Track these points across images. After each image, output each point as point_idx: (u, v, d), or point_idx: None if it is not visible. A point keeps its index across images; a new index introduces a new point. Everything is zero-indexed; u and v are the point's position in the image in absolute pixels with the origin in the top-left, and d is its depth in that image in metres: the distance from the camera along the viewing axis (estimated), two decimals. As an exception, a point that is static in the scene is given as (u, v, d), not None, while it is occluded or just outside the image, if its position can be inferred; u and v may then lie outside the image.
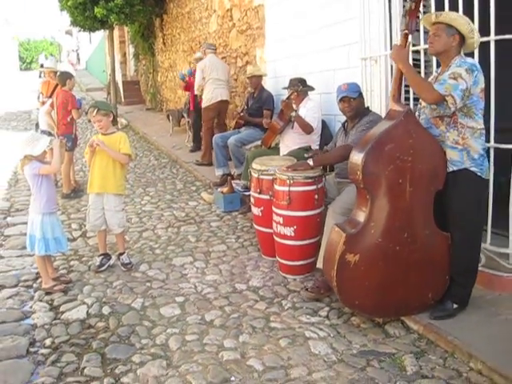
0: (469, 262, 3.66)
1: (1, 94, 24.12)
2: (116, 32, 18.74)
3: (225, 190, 6.87)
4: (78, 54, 46.07)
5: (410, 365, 3.25)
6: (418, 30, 4.37)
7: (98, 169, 4.84)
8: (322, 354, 3.41)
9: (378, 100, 5.24)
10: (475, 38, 3.53)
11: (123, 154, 4.85)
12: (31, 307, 4.24)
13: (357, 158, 3.59)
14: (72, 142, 7.78)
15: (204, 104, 8.94)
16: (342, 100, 4.59)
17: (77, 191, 7.75)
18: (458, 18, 3.54)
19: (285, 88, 6.28)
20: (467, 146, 3.49)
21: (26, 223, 6.25)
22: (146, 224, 6.37)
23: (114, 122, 5.03)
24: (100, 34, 21.92)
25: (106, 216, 4.91)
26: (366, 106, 4.84)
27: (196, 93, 9.22)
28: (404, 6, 3.74)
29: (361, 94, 4.63)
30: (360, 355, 3.39)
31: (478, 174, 3.52)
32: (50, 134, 7.49)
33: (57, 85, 7.85)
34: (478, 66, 3.50)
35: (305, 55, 6.89)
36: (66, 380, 3.22)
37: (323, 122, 6.17)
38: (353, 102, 4.55)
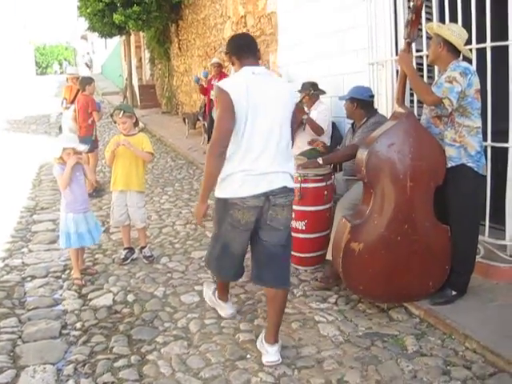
0: (466, 251, 3.95)
1: (19, 98, 24.62)
2: (132, 37, 19.18)
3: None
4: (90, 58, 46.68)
5: (410, 345, 3.55)
6: (421, 36, 4.69)
7: (121, 168, 5.18)
8: (330, 336, 3.72)
9: (384, 102, 5.53)
10: (460, 43, 3.81)
11: (147, 152, 5.20)
12: (61, 295, 4.59)
13: (361, 155, 3.91)
14: (92, 144, 8.13)
15: None
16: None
17: (98, 190, 8.09)
18: (442, 27, 3.87)
19: (297, 91, 6.59)
20: (464, 144, 3.79)
21: (50, 220, 6.70)
22: (166, 221, 6.71)
23: (136, 123, 5.36)
24: (115, 39, 22.35)
25: (129, 212, 5.25)
26: (374, 108, 5.16)
27: None
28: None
29: (353, 99, 4.91)
30: (365, 336, 3.70)
31: (475, 169, 3.81)
32: None
33: (79, 90, 8.23)
34: (472, 68, 3.81)
35: (316, 60, 7.19)
36: (96, 357, 3.54)
37: (333, 124, 6.46)
38: (345, 105, 4.98)
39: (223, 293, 4.09)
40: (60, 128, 8.94)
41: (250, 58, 3.43)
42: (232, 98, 3.16)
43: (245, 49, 3.45)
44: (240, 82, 3.26)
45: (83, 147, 4.81)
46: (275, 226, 3.37)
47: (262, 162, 3.25)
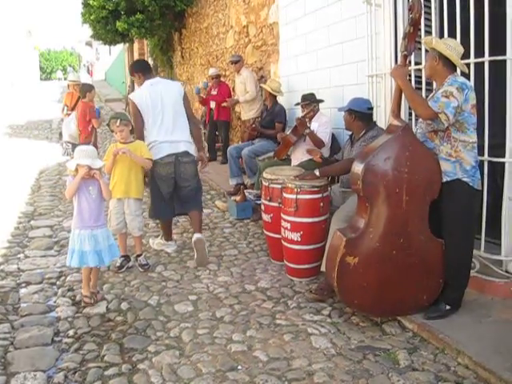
0: (461, 266, 3.94)
1: (22, 103, 24.66)
2: (136, 45, 19.24)
3: (238, 198, 7.20)
4: (88, 68, 47.00)
5: (402, 359, 3.53)
6: (420, 49, 4.70)
7: (120, 175, 5.18)
8: (322, 348, 3.70)
9: (383, 115, 5.52)
10: (455, 58, 3.83)
11: (146, 158, 5.22)
12: (55, 302, 4.57)
13: (357, 168, 3.90)
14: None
15: (252, 115, 9.08)
16: None
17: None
18: (438, 41, 3.89)
19: (298, 104, 6.61)
20: (460, 159, 3.79)
21: (48, 226, 6.71)
22: (162, 229, 6.69)
23: (132, 131, 5.37)
24: (119, 46, 22.42)
25: (127, 220, 5.26)
26: (373, 120, 5.16)
27: (245, 100, 9.30)
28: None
29: (351, 110, 4.95)
30: (357, 350, 3.68)
31: (470, 184, 3.80)
32: (73, 145, 7.94)
33: (79, 97, 8.26)
34: (469, 83, 3.81)
35: (316, 71, 7.22)
36: (87, 365, 3.53)
37: (332, 136, 6.46)
38: (344, 116, 5.02)
39: (169, 234, 5.90)
40: (60, 134, 8.97)
41: (149, 74, 5.63)
42: (138, 105, 5.33)
43: (146, 68, 5.73)
44: (143, 92, 5.42)
45: (99, 164, 4.45)
46: (186, 178, 5.47)
47: (169, 136, 5.35)
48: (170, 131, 5.36)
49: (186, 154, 5.43)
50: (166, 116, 5.36)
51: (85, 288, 4.55)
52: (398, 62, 4.08)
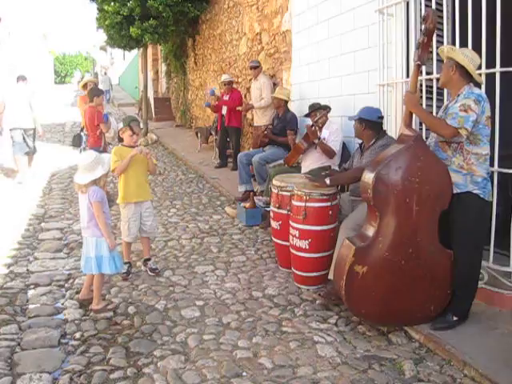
0: (469, 277, 3.92)
1: (36, 106, 24.75)
2: (149, 50, 19.36)
3: (247, 205, 7.20)
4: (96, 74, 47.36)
5: (408, 369, 3.51)
6: (432, 59, 4.69)
7: (134, 178, 5.19)
8: (328, 357, 3.69)
9: (394, 124, 5.51)
10: (472, 68, 3.81)
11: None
12: (63, 304, 4.60)
13: (368, 177, 3.89)
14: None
15: (266, 122, 9.06)
16: None
17: (108, 201, 8.09)
18: (455, 51, 3.87)
19: (306, 115, 6.62)
20: (471, 171, 3.77)
21: (58, 229, 6.74)
22: (172, 234, 6.73)
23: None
24: (133, 51, 22.56)
25: (147, 222, 5.30)
26: (383, 129, 5.15)
27: (259, 106, 9.37)
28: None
29: (362, 119, 4.95)
30: (363, 359, 3.66)
31: (481, 196, 3.78)
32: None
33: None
34: (484, 95, 3.79)
35: (328, 80, 7.21)
36: (93, 368, 3.54)
37: (343, 144, 6.46)
38: (354, 125, 5.03)
39: None
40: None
41: None
42: None
43: None
44: None
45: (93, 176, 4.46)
46: None
47: None
48: None
49: None
50: None
51: (100, 301, 4.55)
52: (411, 71, 4.07)
